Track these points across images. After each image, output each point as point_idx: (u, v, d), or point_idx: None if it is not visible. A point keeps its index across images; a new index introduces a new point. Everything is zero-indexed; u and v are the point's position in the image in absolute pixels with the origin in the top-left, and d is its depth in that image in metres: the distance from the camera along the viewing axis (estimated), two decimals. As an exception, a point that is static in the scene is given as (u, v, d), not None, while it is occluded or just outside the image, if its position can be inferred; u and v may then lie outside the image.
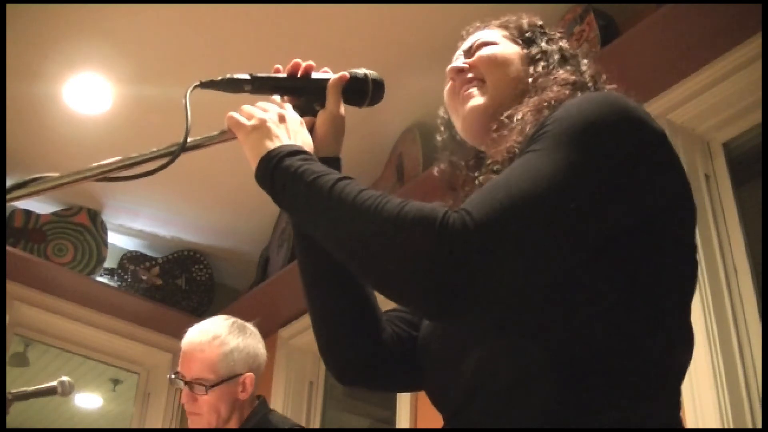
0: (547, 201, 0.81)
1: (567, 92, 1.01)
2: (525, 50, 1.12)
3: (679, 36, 2.06)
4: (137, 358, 3.92)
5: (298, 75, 1.12)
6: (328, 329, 1.11)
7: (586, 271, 0.85)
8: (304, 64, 1.12)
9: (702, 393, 1.85)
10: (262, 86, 1.10)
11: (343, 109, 1.13)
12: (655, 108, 2.21)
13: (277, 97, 1.11)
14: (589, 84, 1.06)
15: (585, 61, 1.12)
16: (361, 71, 1.13)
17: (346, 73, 1.12)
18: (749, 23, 1.99)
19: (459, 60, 1.15)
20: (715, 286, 1.99)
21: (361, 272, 0.89)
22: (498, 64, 1.10)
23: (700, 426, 1.82)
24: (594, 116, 0.88)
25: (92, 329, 3.70)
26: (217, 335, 1.94)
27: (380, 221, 0.83)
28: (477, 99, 1.09)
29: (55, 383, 1.89)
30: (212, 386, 1.88)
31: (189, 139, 1.01)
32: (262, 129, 1.02)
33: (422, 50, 2.62)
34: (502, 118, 1.02)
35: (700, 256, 2.01)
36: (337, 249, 0.90)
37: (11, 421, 1.92)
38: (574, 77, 1.05)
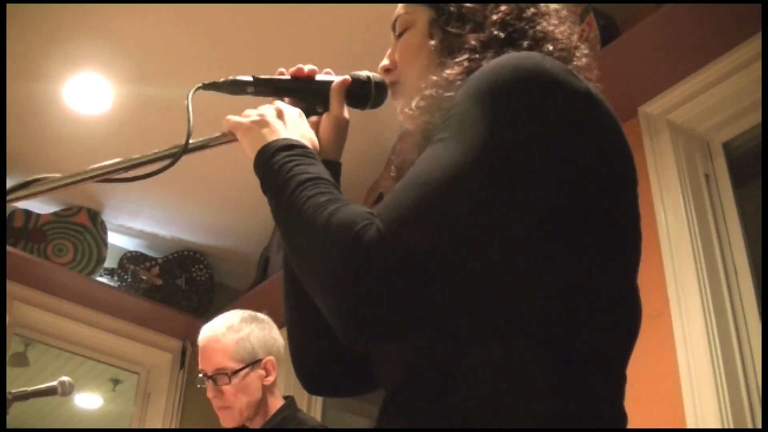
0: (456, 190, 0.75)
1: (466, 63, 0.93)
2: (432, 14, 1.03)
3: (679, 36, 2.06)
4: (137, 358, 3.91)
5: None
6: (298, 338, 1.11)
7: (517, 254, 0.79)
8: (307, 69, 1.12)
9: (702, 393, 1.85)
10: (265, 88, 1.10)
11: (347, 112, 1.12)
12: (655, 108, 2.21)
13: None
14: (501, 35, 0.95)
15: (495, 12, 0.98)
16: (363, 74, 1.13)
17: (348, 77, 1.12)
18: (749, 23, 1.99)
19: (386, 56, 1.11)
20: (715, 286, 1.99)
21: (303, 282, 0.86)
22: (410, 60, 1.05)
23: (700, 426, 1.82)
24: (499, 85, 0.80)
25: (92, 329, 3.69)
26: (229, 325, 1.96)
27: (311, 233, 0.82)
28: (399, 107, 1.06)
29: (55, 383, 1.89)
30: (234, 373, 1.88)
31: (191, 141, 1.01)
32: (259, 122, 1.02)
33: (422, 50, 2.61)
34: (406, 110, 0.98)
35: (700, 256, 2.01)
36: (288, 253, 0.90)
37: (11, 421, 1.92)
38: (473, 42, 0.96)
